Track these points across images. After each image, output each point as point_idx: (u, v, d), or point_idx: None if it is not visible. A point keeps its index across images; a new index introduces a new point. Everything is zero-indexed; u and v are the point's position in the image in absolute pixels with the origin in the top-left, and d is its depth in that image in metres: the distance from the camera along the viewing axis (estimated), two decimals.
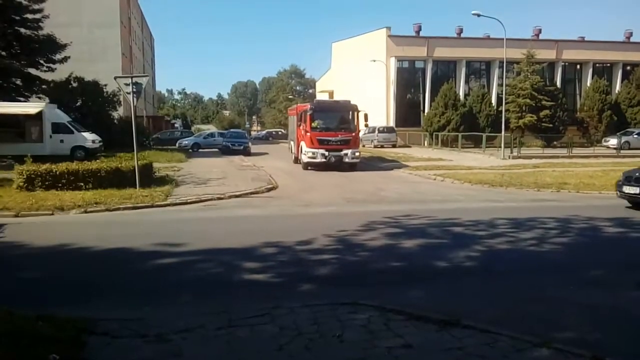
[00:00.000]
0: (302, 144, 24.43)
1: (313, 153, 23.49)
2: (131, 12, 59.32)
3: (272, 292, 6.59)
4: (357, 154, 24.29)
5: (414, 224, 11.25)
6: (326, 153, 23.42)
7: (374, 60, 47.12)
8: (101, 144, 28.88)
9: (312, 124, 23.81)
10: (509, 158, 32.08)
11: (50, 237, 9.70)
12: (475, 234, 10.25)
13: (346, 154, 23.69)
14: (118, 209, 12.87)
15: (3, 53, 30.79)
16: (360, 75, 50.93)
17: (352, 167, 23.92)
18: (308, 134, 23.73)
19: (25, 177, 14.82)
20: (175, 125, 79.34)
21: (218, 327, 5.20)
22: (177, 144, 40.85)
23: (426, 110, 48.82)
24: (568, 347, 4.77)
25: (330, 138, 23.66)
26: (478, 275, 7.61)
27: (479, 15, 32.19)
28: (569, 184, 18.05)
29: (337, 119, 24.64)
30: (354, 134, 24.32)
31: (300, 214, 12.88)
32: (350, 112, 24.66)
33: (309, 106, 24.84)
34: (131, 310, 5.79)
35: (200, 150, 38.94)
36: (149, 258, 8.29)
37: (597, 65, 52.41)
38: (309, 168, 23.97)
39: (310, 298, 6.19)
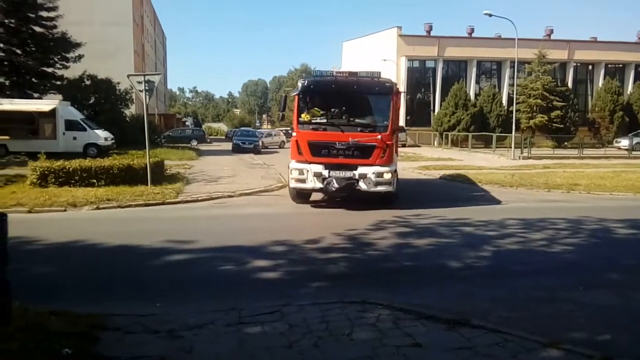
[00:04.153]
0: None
1: (301, 171, 12.98)
2: (144, 10, 59.63)
3: (282, 290, 6.63)
4: (387, 176, 12.85)
5: (424, 223, 11.25)
6: (325, 172, 12.79)
7: (385, 60, 47.01)
8: (113, 141, 29.11)
9: (302, 115, 13.22)
10: (519, 158, 31.92)
11: (63, 233, 9.81)
12: (486, 234, 10.24)
13: (364, 177, 12.72)
14: (130, 206, 12.97)
15: (18, 51, 31.12)
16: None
17: (383, 200, 13.28)
18: (294, 134, 13.65)
19: (38, 173, 14.99)
20: (187, 123, 79.60)
21: (228, 324, 5.25)
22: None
23: (436, 110, 48.70)
24: (578, 348, 4.77)
25: (334, 143, 12.77)
26: (488, 276, 7.61)
27: (490, 15, 32.04)
28: (579, 185, 17.93)
29: (352, 107, 13.24)
30: (382, 135, 12.76)
31: (309, 212, 12.92)
32: (383, 96, 13.10)
33: (300, 83, 13.51)
34: (143, 306, 5.85)
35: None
36: (160, 255, 8.37)
37: (609, 65, 51.96)
38: (299, 201, 13.86)
39: (319, 296, 6.23)
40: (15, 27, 30.44)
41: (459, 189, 17.92)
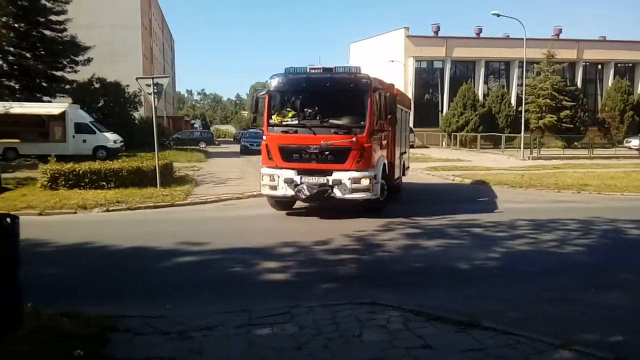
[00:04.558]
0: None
1: (272, 177, 12.08)
2: (152, 13, 60.01)
3: (291, 292, 6.62)
4: (364, 182, 11.61)
5: (433, 224, 11.21)
6: (297, 178, 11.79)
7: (392, 61, 46.94)
8: (122, 143, 29.29)
9: (273, 117, 12.25)
10: (529, 159, 31.79)
11: (74, 235, 9.87)
12: (495, 235, 10.19)
13: (339, 183, 11.59)
14: (139, 208, 13.04)
15: (28, 55, 31.43)
16: (379, 76, 50.79)
17: (367, 209, 12.18)
18: (264, 137, 12.60)
19: (49, 176, 15.10)
20: (195, 125, 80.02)
21: (238, 326, 5.25)
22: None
23: (444, 111, 48.60)
24: (590, 350, 4.73)
25: (305, 146, 11.72)
26: (498, 277, 7.57)
27: (498, 15, 31.95)
28: (590, 185, 17.80)
29: (326, 106, 12.02)
30: (357, 137, 11.49)
31: (317, 214, 12.87)
32: (359, 93, 11.82)
33: (269, 81, 12.81)
34: (153, 307, 5.87)
35: None
36: (169, 256, 8.40)
37: (619, 65, 51.64)
38: (279, 209, 12.94)
39: (329, 298, 6.22)
40: (25, 31, 30.75)
41: (467, 190, 17.84)
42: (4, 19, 26.53)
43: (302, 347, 4.77)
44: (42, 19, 31.57)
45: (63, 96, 33.32)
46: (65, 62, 33.04)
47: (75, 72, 33.47)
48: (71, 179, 15.15)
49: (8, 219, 4.09)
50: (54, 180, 15.08)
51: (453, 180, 20.79)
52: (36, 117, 27.16)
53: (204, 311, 5.69)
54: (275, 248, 8.93)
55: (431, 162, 27.95)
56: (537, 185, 18.10)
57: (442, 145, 46.68)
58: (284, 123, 12.05)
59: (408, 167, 18.06)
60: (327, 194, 11.66)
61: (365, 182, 11.62)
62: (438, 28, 50.74)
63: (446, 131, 46.56)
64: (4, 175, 17.73)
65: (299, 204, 12.96)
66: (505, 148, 37.45)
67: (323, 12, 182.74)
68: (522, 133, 34.10)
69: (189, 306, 6.03)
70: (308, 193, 11.57)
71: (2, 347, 4.22)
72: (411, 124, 46.56)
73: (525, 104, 39.62)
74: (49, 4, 31.74)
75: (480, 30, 51.23)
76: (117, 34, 46.76)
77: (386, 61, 47.74)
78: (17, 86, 30.97)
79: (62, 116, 27.29)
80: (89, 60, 33.54)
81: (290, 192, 11.81)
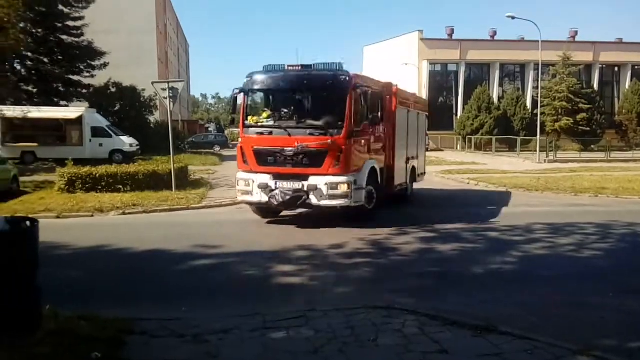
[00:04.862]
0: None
1: (247, 182, 11.38)
2: (167, 18, 60.58)
3: (306, 295, 6.62)
4: (342, 187, 10.75)
5: (448, 228, 11.14)
6: (272, 183, 11.06)
7: (406, 64, 46.83)
8: (138, 147, 29.56)
9: (248, 118, 11.64)
10: (545, 162, 31.50)
11: (91, 238, 9.98)
12: (512, 239, 10.10)
13: (314, 189, 10.80)
14: (155, 211, 13.14)
15: (45, 60, 31.90)
16: (392, 79, 50.69)
17: (358, 220, 11.32)
18: (239, 139, 12.13)
19: (66, 179, 15.28)
20: (209, 129, 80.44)
21: (253, 329, 5.26)
22: None
23: (459, 114, 48.38)
24: (609, 355, 4.66)
25: (281, 149, 10.96)
26: (515, 281, 7.50)
27: (513, 18, 31.76)
28: (607, 189, 17.57)
29: (303, 106, 11.55)
30: (335, 138, 10.64)
31: (331, 217, 12.79)
32: (337, 91, 10.96)
33: (246, 80, 11.82)
34: (169, 310, 5.90)
35: None
36: (185, 259, 8.45)
37: (636, 67, 51.02)
38: (263, 216, 12.28)
39: (344, 302, 6.20)
40: (42, 36, 31.24)
41: (483, 193, 17.71)
42: (22, 25, 26.93)
43: (318, 351, 4.76)
44: (60, 25, 32.09)
45: (80, 100, 33.78)
46: (82, 67, 33.52)
47: (92, 76, 33.92)
48: (88, 183, 15.32)
49: (27, 223, 4.15)
50: (71, 184, 15.25)
51: (468, 183, 20.66)
52: (54, 121, 27.56)
53: (219, 314, 5.70)
54: (290, 252, 8.94)
55: (446, 166, 27.80)
56: (553, 189, 17.91)
57: (456, 148, 46.44)
58: (259, 124, 11.38)
59: (423, 173, 17.07)
60: (302, 200, 10.84)
61: (343, 188, 10.74)
62: (452, 31, 50.62)
63: (461, 134, 46.32)
64: (23, 178, 17.99)
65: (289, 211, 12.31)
66: (521, 151, 37.17)
67: (337, 16, 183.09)
68: (538, 136, 33.82)
69: (205, 309, 6.05)
70: (281, 199, 10.80)
71: (21, 349, 4.28)
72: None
73: (541, 106, 39.34)
74: (66, 10, 32.26)
75: (495, 33, 51.00)
76: (133, 39, 47.27)
77: (400, 64, 47.67)
78: (35, 91, 31.46)
79: (79, 120, 27.65)
80: (105, 65, 33.97)
81: (265, 198, 11.05)
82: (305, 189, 10.82)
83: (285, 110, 11.46)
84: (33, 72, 31.60)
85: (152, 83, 16.81)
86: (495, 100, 47.49)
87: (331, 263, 8.33)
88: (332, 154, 10.68)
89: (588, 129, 43.63)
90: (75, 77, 33.45)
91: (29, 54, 30.59)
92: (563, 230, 10.82)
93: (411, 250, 9.18)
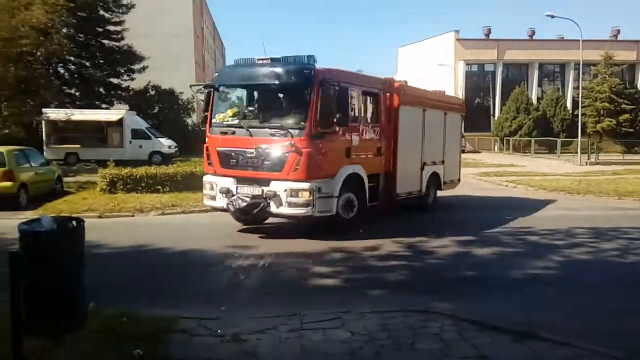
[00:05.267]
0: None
1: (211, 186, 10.71)
2: (204, 21, 61.53)
3: (342, 297, 6.62)
4: (303, 195, 9.67)
5: (486, 232, 10.95)
6: (234, 188, 10.21)
7: (442, 64, 46.32)
8: (177, 149, 30.12)
9: (216, 116, 10.83)
10: (586, 164, 30.67)
11: (132, 237, 10.23)
12: (552, 243, 9.86)
13: (274, 195, 9.75)
14: (193, 211, 13.33)
15: (87, 64, 32.88)
16: (428, 80, 50.32)
17: (331, 231, 10.22)
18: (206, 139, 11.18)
19: (108, 180, 15.69)
20: None
21: (290, 330, 5.29)
22: None
23: (496, 115, 47.55)
24: None
25: (242, 150, 10.14)
26: (556, 286, 7.31)
27: (552, 17, 31.04)
28: None
29: (268, 103, 10.89)
30: (295, 140, 9.59)
31: (365, 220, 12.71)
32: (299, 87, 9.99)
33: (215, 75, 11.83)
34: (207, 309, 5.99)
35: None
36: (222, 259, 8.56)
37: None
38: (243, 221, 11.19)
39: (380, 304, 6.16)
40: (84, 41, 32.19)
41: (522, 196, 17.34)
42: (65, 30, 27.83)
43: (355, 353, 4.75)
44: (101, 29, 33.03)
45: (120, 103, 34.66)
46: (122, 71, 34.42)
47: (132, 79, 34.78)
48: (129, 183, 15.68)
49: (74, 222, 4.28)
50: (112, 184, 15.65)
51: (506, 186, 20.26)
52: (96, 123, 28.40)
53: (256, 314, 5.76)
54: (324, 253, 8.96)
55: (483, 168, 27.35)
56: (595, 192, 17.41)
57: (494, 150, 45.67)
58: (224, 123, 10.57)
59: (456, 180, 15.35)
60: (260, 208, 9.77)
61: (304, 196, 9.60)
62: (489, 31, 49.83)
63: (498, 136, 45.52)
64: (66, 179, 18.57)
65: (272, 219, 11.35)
66: (561, 153, 36.26)
67: (371, 16, 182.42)
68: (579, 137, 32.93)
69: (242, 309, 6.12)
70: (237, 206, 9.92)
71: (67, 345, 4.42)
72: (461, 129, 46.11)
73: (582, 107, 38.31)
74: (107, 15, 33.17)
75: (533, 32, 49.94)
76: (171, 42, 48.13)
77: (435, 65, 47.19)
78: (77, 94, 32.45)
79: (119, 122, 28.40)
80: (144, 69, 34.78)
81: (226, 204, 10.22)
82: (264, 195, 9.79)
83: (250, 108, 10.84)
84: (76, 75, 32.63)
85: (190, 86, 17.02)
86: (534, 100, 46.49)
87: (366, 265, 8.31)
88: (293, 157, 9.59)
89: (631, 130, 42.27)
90: (116, 81, 34.37)
91: (72, 58, 31.54)
92: (606, 235, 10.51)
93: (448, 253, 9.07)
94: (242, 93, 11.10)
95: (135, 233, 10.87)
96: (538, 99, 47.38)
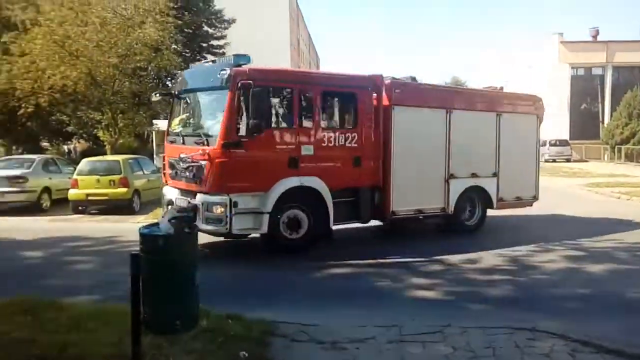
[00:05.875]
0: None
1: (164, 196, 10.27)
2: (300, 34, 63.20)
3: (441, 310, 6.47)
4: (216, 209, 8.72)
5: (598, 247, 10.23)
6: (174, 198, 9.76)
7: (530, 67, 44.11)
8: None
9: (171, 124, 10.62)
10: None
11: (230, 243, 10.48)
12: None
13: (195, 208, 8.77)
14: None
15: None
16: (530, 85, 48.18)
17: (272, 251, 9.57)
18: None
19: None
20: None
21: (390, 341, 5.25)
22: None
23: (606, 121, 44.36)
24: None
25: (175, 160, 9.71)
26: None
27: None
28: None
29: (198, 109, 10.36)
30: (209, 150, 8.83)
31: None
32: (216, 91, 9.30)
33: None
34: (305, 315, 6.08)
35: None
36: (319, 268, 8.68)
37: None
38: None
39: (482, 320, 5.95)
40: (190, 56, 34.15)
41: (636, 209, 15.99)
42: (173, 47, 29.71)
43: None
44: (205, 45, 34.86)
45: None
46: None
47: None
48: None
49: (188, 227, 4.56)
50: None
51: (619, 198, 18.75)
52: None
53: (354, 323, 5.76)
54: (422, 264, 8.83)
55: (591, 178, 25.56)
56: None
57: (603, 159, 42.58)
58: (172, 131, 10.33)
59: (519, 199, 12.54)
60: (186, 223, 8.86)
61: (217, 210, 8.67)
62: (597, 32, 46.74)
63: (608, 143, 42.39)
64: None
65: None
66: None
67: (471, 20, 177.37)
68: None
69: (339, 317, 6.14)
70: (167, 219, 8.94)
71: (180, 343, 4.70)
72: (567, 136, 43.53)
73: None
74: (210, 30, 34.97)
75: None
76: (268, 55, 49.74)
77: (538, 68, 45.03)
78: None
79: None
80: None
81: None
82: (189, 207, 8.79)
83: (186, 115, 10.30)
84: None
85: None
86: None
87: (466, 278, 8.07)
88: (207, 168, 8.79)
89: None
90: None
91: (179, 72, 33.47)
92: None
93: (555, 269, 8.57)
94: (189, 99, 10.39)
95: (233, 240, 10.49)
96: None
